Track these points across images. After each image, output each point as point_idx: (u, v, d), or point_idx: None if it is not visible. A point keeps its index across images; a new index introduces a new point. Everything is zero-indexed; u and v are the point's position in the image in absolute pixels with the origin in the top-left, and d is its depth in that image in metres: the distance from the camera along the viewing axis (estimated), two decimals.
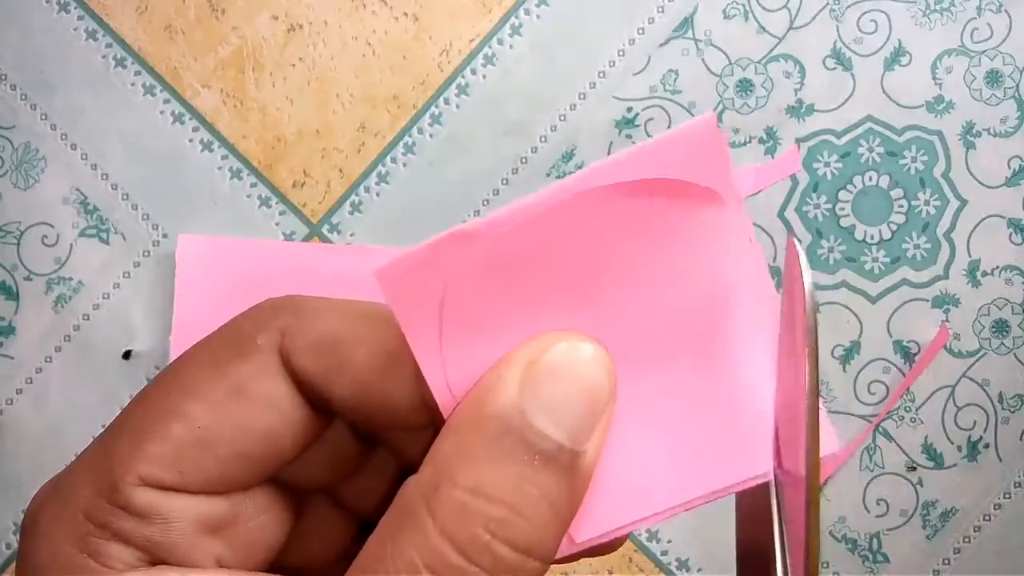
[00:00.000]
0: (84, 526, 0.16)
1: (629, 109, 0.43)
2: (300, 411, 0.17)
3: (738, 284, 0.17)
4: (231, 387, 0.17)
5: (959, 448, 0.42)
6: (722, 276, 0.17)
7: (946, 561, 0.43)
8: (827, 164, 0.42)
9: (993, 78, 0.42)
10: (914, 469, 0.42)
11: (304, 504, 0.19)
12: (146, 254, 0.44)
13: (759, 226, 0.43)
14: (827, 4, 0.42)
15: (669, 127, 0.43)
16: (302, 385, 0.17)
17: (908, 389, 0.42)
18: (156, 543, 0.16)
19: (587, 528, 0.17)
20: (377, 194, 0.43)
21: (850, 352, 0.43)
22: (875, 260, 0.42)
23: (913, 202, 0.42)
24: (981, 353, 0.42)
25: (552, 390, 0.16)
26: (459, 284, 0.16)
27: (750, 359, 0.17)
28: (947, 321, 0.42)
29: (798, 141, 0.42)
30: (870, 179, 0.42)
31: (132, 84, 0.44)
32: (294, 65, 0.43)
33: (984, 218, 0.42)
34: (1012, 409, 0.42)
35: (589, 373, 0.16)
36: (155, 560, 0.16)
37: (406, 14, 0.43)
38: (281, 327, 0.17)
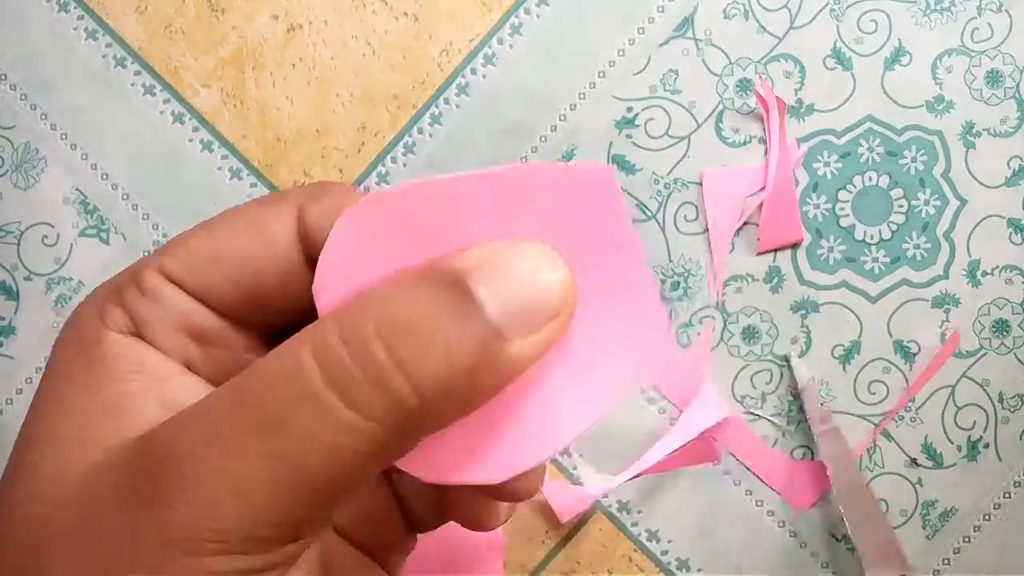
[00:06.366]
0: (109, 294, 0.19)
1: (629, 109, 0.43)
2: (296, 258, 0.19)
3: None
4: (251, 220, 0.19)
5: (959, 448, 0.42)
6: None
7: (946, 561, 0.43)
8: (827, 164, 0.42)
9: (993, 78, 0.42)
10: (915, 464, 0.42)
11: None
12: (146, 254, 0.44)
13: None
14: (827, 4, 0.42)
15: (669, 127, 0.43)
16: (307, 239, 0.19)
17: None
18: (143, 319, 0.19)
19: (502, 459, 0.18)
20: None
21: (850, 352, 0.43)
22: (875, 260, 0.42)
23: (913, 202, 0.42)
24: (981, 353, 0.42)
25: (506, 279, 0.16)
26: (378, 244, 0.18)
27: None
28: (947, 321, 0.42)
29: (798, 141, 0.42)
30: (870, 179, 0.42)
31: (132, 84, 0.44)
32: (294, 65, 0.43)
33: (984, 218, 0.42)
34: (1012, 409, 0.42)
35: (550, 281, 0.16)
36: (137, 334, 0.19)
37: (406, 14, 0.43)
38: (308, 192, 0.20)
